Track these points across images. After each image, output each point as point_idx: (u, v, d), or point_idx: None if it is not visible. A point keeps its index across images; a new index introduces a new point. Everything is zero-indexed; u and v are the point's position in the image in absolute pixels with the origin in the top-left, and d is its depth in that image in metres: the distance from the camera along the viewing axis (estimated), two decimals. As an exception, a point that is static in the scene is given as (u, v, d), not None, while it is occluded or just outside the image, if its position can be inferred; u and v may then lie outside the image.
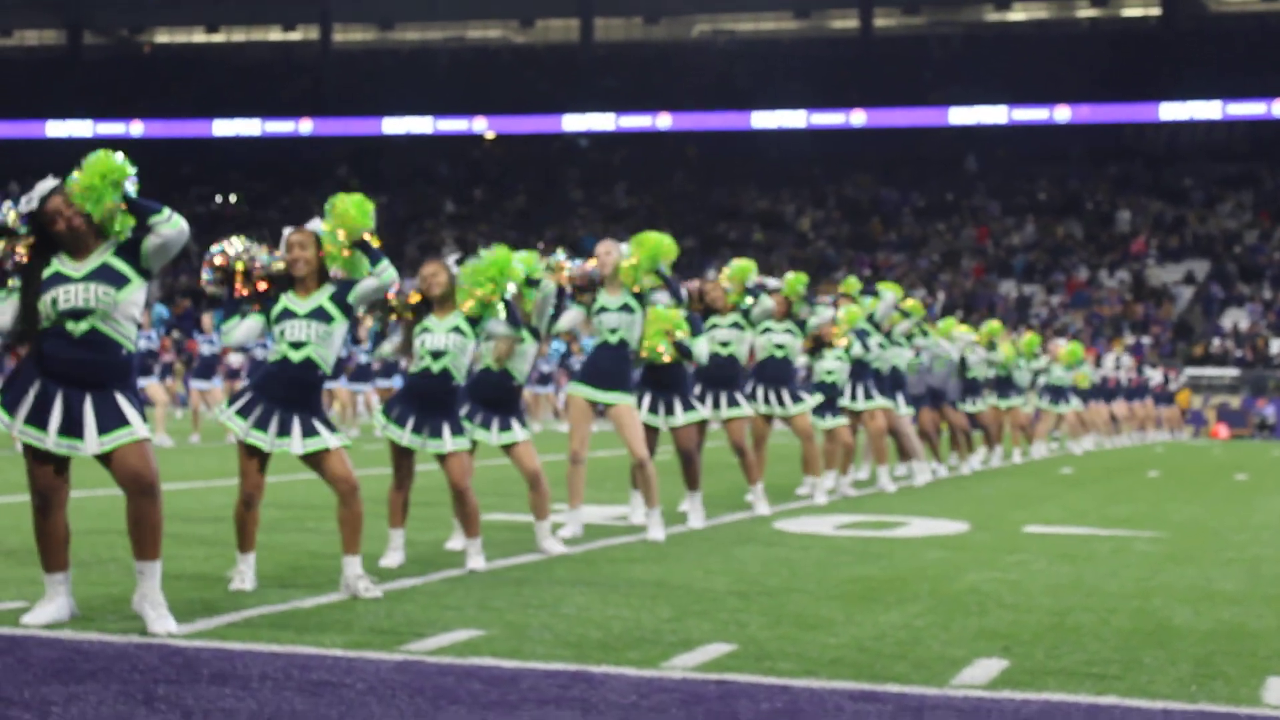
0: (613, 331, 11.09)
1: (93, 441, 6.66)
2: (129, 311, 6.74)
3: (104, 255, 6.78)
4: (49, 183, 6.82)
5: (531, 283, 9.98)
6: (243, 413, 7.95)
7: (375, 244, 8.04)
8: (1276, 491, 18.39)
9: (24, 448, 6.82)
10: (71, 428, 6.68)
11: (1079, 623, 7.64)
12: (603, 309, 11.16)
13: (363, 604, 7.64)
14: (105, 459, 6.74)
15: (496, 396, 9.93)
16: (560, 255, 10.60)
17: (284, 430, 7.90)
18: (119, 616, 7.06)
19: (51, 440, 6.68)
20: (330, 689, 5.67)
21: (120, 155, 6.74)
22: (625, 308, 11.12)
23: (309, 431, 7.89)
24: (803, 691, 5.87)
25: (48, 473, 6.79)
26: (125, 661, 6.06)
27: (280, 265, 8.17)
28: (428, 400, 9.09)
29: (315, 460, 7.93)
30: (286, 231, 8.26)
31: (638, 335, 11.22)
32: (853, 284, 16.67)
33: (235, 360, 26.52)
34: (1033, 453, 25.36)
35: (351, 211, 7.96)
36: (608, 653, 6.50)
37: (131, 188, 6.74)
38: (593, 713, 5.43)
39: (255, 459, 8.02)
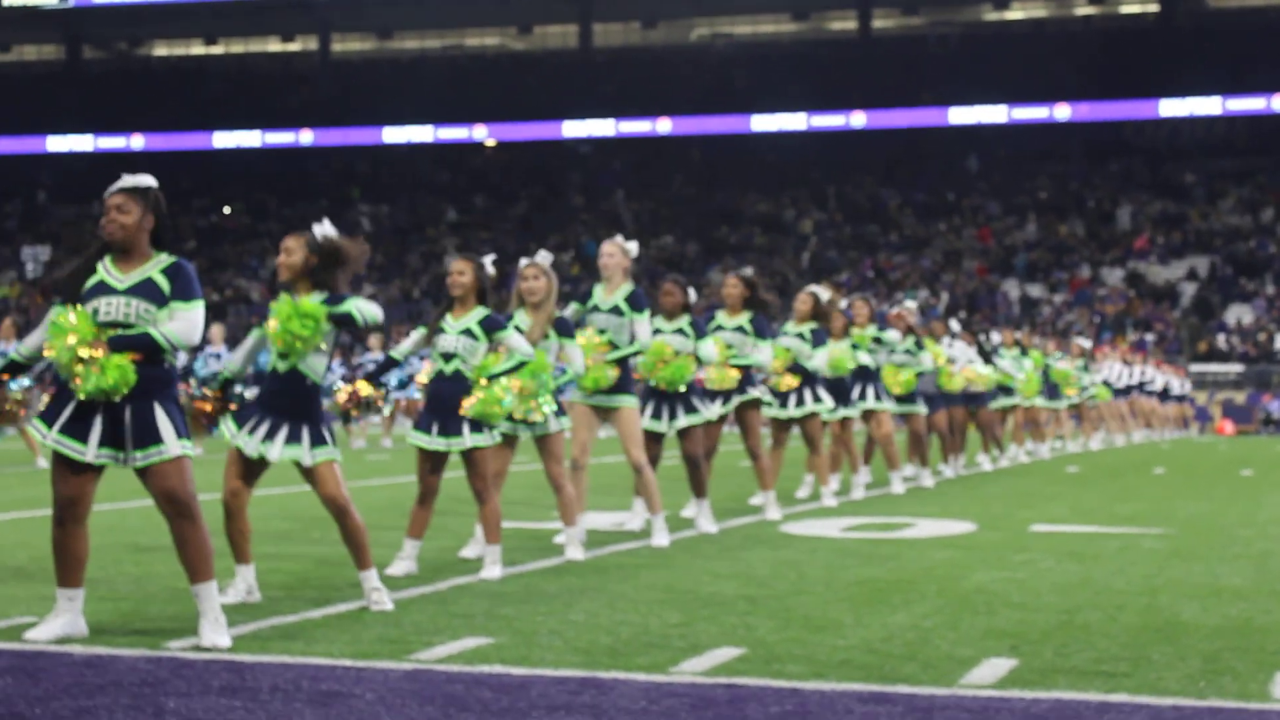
0: (601, 332, 10.88)
1: (130, 455, 6.66)
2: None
3: (150, 270, 6.77)
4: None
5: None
6: (239, 421, 7.93)
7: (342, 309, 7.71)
8: (1283, 486, 18.38)
9: (54, 459, 6.75)
10: (113, 439, 6.66)
11: (1087, 621, 7.64)
12: (595, 308, 10.99)
13: (371, 614, 7.64)
14: (142, 475, 6.74)
15: None
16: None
17: (270, 436, 7.82)
18: (127, 631, 7.07)
19: (92, 452, 6.65)
20: (340, 699, 5.67)
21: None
22: (615, 310, 10.94)
23: (293, 439, 7.81)
24: (812, 694, 5.88)
25: (74, 486, 6.73)
26: (135, 675, 6.06)
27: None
28: (445, 403, 9.09)
29: (304, 472, 7.90)
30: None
31: (626, 339, 10.92)
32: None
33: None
34: (1038, 452, 25.34)
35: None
36: (617, 658, 6.50)
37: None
38: (603, 718, 5.44)
39: (239, 464, 7.95)
